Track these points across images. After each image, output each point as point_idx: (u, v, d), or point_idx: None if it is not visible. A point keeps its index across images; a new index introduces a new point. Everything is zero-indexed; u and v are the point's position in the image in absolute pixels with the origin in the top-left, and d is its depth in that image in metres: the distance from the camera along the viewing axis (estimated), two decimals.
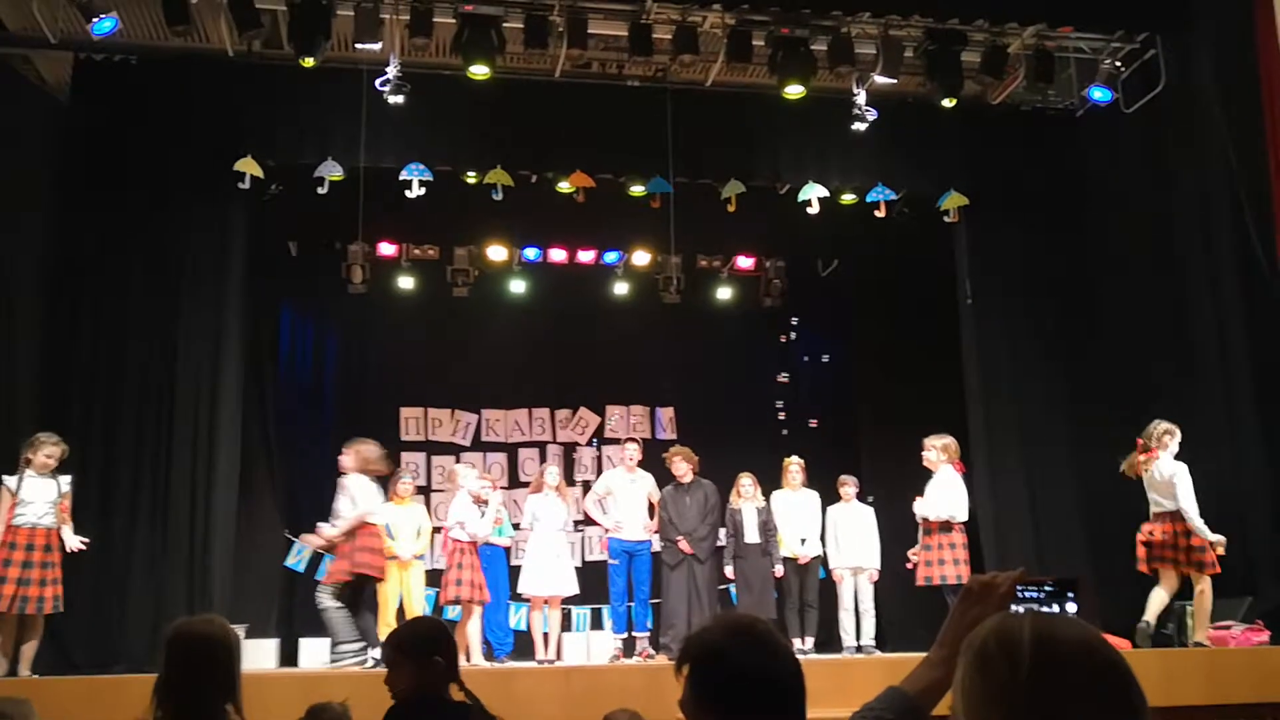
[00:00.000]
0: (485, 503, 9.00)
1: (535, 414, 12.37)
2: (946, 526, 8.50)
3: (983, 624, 1.38)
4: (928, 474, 8.76)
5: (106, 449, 8.15)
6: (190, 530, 8.80)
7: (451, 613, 9.17)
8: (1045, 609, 1.55)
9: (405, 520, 9.35)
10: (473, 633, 8.57)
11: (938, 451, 8.70)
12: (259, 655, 9.11)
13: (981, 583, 1.68)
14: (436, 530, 9.96)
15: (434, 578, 10.07)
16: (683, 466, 9.55)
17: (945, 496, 8.55)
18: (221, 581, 8.89)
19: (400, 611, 9.24)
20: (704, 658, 2.00)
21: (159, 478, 8.86)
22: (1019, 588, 1.62)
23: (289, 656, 9.72)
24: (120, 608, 8.20)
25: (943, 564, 8.38)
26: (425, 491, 11.40)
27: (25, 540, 7.35)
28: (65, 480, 7.61)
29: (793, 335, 13.05)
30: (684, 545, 9.33)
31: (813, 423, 12.52)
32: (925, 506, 8.60)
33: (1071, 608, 1.50)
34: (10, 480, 7.43)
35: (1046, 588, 1.55)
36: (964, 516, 8.62)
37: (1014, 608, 1.59)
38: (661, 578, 9.67)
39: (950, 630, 1.69)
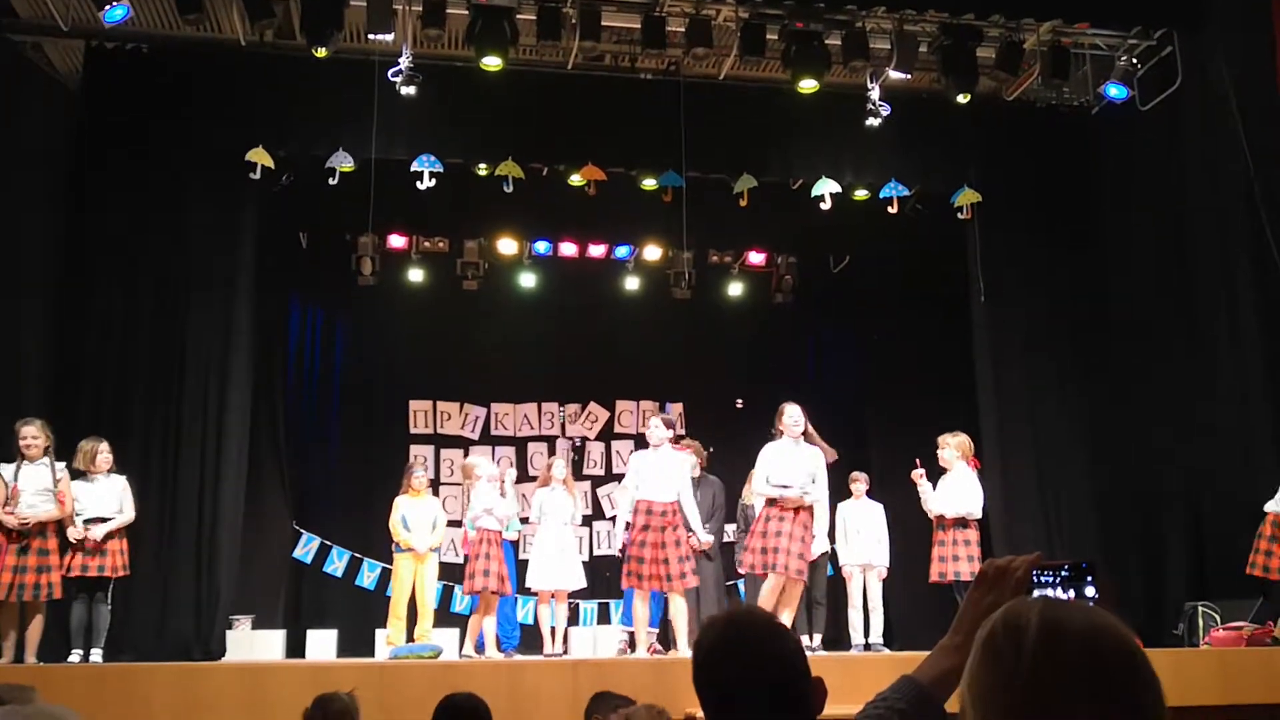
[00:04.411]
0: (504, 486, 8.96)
1: (544, 408, 12.35)
2: (962, 523, 8.44)
3: (995, 611, 1.34)
4: (940, 471, 8.70)
5: (115, 439, 8.12)
6: (198, 521, 8.78)
7: (460, 605, 9.15)
8: (1062, 592, 1.51)
9: (421, 513, 9.32)
10: (488, 625, 8.54)
11: (952, 449, 8.64)
12: (266, 646, 9.11)
13: (997, 567, 1.65)
14: (451, 524, 9.92)
15: (446, 571, 10.06)
16: (692, 460, 9.46)
17: (961, 493, 8.49)
18: (229, 572, 8.88)
19: (412, 603, 9.21)
20: (705, 653, 1.98)
21: (167, 468, 8.83)
22: (1035, 572, 1.58)
23: (296, 647, 9.71)
24: (127, 597, 8.18)
25: (957, 560, 8.32)
26: (434, 485, 11.37)
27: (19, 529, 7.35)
28: (60, 467, 7.60)
29: (804, 331, 12.98)
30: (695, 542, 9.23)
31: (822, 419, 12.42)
32: (941, 503, 8.52)
33: (1090, 591, 1.46)
34: (6, 470, 7.44)
35: (1063, 571, 1.51)
36: (979, 513, 8.57)
37: (1036, 592, 1.55)
38: None
39: (964, 616, 1.66)
